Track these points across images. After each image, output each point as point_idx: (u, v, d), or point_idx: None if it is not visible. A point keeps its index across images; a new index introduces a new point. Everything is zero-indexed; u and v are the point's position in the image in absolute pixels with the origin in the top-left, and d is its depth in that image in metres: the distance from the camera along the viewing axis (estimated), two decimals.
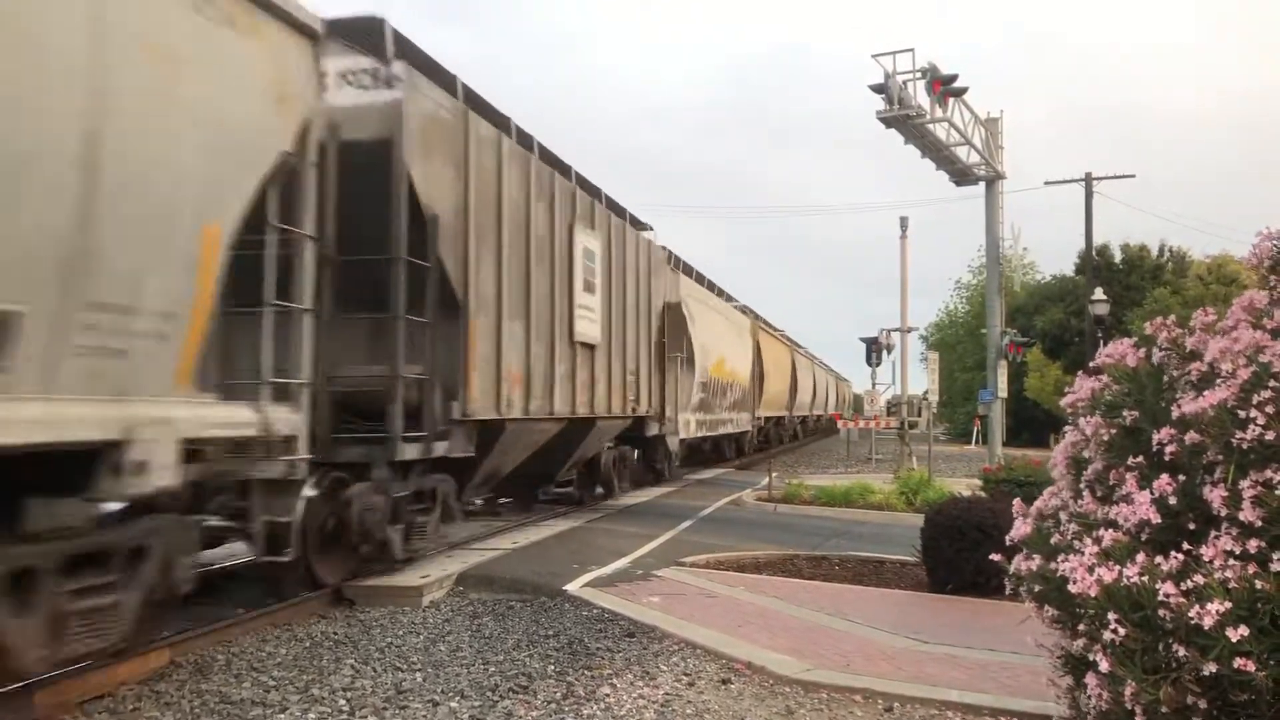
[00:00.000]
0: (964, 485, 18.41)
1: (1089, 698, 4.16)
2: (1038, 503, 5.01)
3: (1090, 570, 3.98)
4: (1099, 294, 33.42)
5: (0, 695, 5.61)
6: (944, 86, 21.60)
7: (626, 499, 18.13)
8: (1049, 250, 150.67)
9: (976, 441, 47.36)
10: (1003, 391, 26.14)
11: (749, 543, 13.08)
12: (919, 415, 28.47)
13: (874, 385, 32.96)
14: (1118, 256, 54.90)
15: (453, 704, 6.20)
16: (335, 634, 7.94)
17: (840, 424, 38.75)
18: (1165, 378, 4.46)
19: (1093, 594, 3.95)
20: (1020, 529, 4.85)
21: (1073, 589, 4.03)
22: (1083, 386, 4.73)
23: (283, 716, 5.95)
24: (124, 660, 6.53)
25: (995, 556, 4.87)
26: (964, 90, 22.40)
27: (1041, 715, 5.73)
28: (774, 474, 20.72)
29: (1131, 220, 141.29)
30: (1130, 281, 51.99)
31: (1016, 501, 5.04)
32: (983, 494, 13.55)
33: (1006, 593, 5.02)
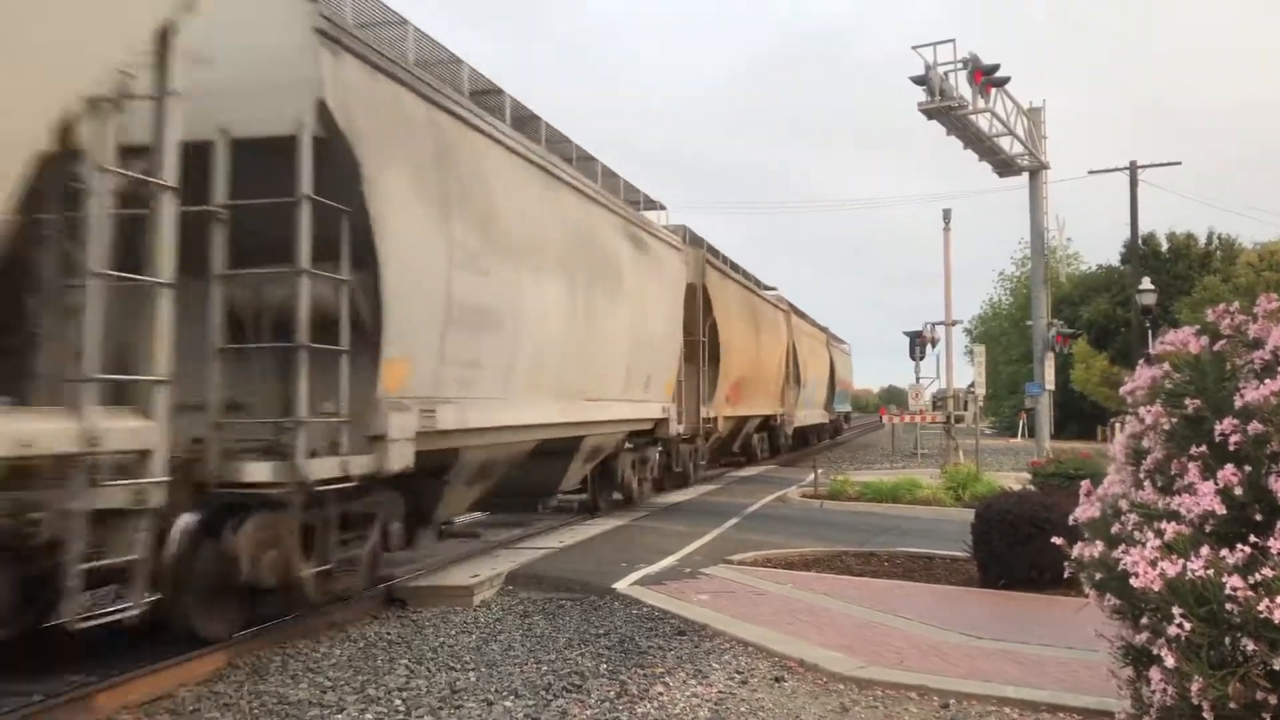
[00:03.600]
0: (1012, 479, 18.23)
1: (1153, 692, 4.10)
2: (1097, 491, 4.94)
3: (1153, 564, 3.92)
4: (1146, 283, 32.92)
5: (65, 697, 5.71)
6: (986, 77, 21.38)
7: (670, 498, 18.11)
8: (1094, 240, 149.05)
9: (1023, 435, 46.83)
10: (1050, 384, 25.83)
11: (796, 540, 13.03)
12: (965, 409, 28.19)
13: (918, 379, 32.66)
14: (1164, 245, 54.05)
15: (507, 703, 6.22)
16: (389, 634, 7.99)
17: (885, 419, 38.34)
18: (1227, 365, 4.38)
19: (1156, 588, 3.89)
20: (1086, 510, 4.77)
21: (1135, 583, 3.97)
22: (1142, 375, 4.65)
23: (340, 717, 6.00)
24: (183, 662, 6.64)
25: (1057, 540, 4.80)
26: (1006, 80, 22.15)
27: (1101, 711, 5.66)
28: (818, 470, 20.63)
29: (1179, 208, 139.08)
30: (1177, 270, 51.17)
31: (1084, 483, 4.97)
32: (1032, 488, 13.43)
33: (1065, 577, 4.95)
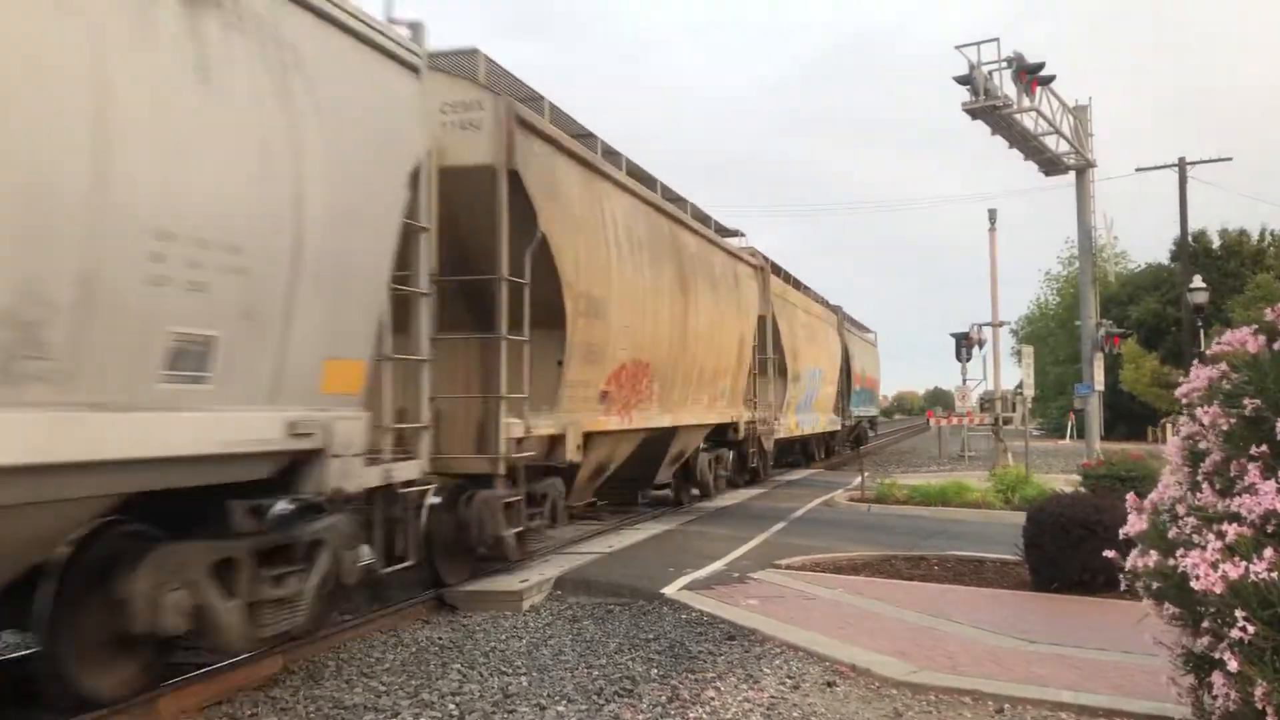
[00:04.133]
0: (1062, 481, 18.02)
1: (1215, 698, 4.05)
2: (1152, 495, 4.88)
3: (1214, 566, 3.87)
4: (1197, 281, 32.42)
5: (129, 702, 5.82)
6: (1030, 75, 21.16)
7: (718, 501, 18.09)
8: (1143, 238, 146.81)
9: (1071, 436, 46.26)
10: (1099, 385, 25.50)
11: (844, 544, 12.96)
12: (1013, 410, 27.89)
13: (964, 381, 32.37)
14: (1215, 242, 53.15)
15: (559, 708, 6.25)
16: (440, 639, 8.06)
17: (931, 421, 37.98)
18: None
19: (1217, 591, 3.84)
20: (1134, 524, 4.72)
21: (1195, 585, 3.92)
22: (1199, 376, 4.60)
23: None
24: (239, 667, 6.74)
25: (1109, 553, 4.75)
26: (1051, 78, 21.91)
27: (1160, 716, 5.60)
28: (865, 474, 20.50)
29: (1230, 205, 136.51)
30: (1229, 268, 50.29)
31: (1130, 496, 4.92)
32: (1083, 490, 13.26)
33: (1121, 589, 4.89)
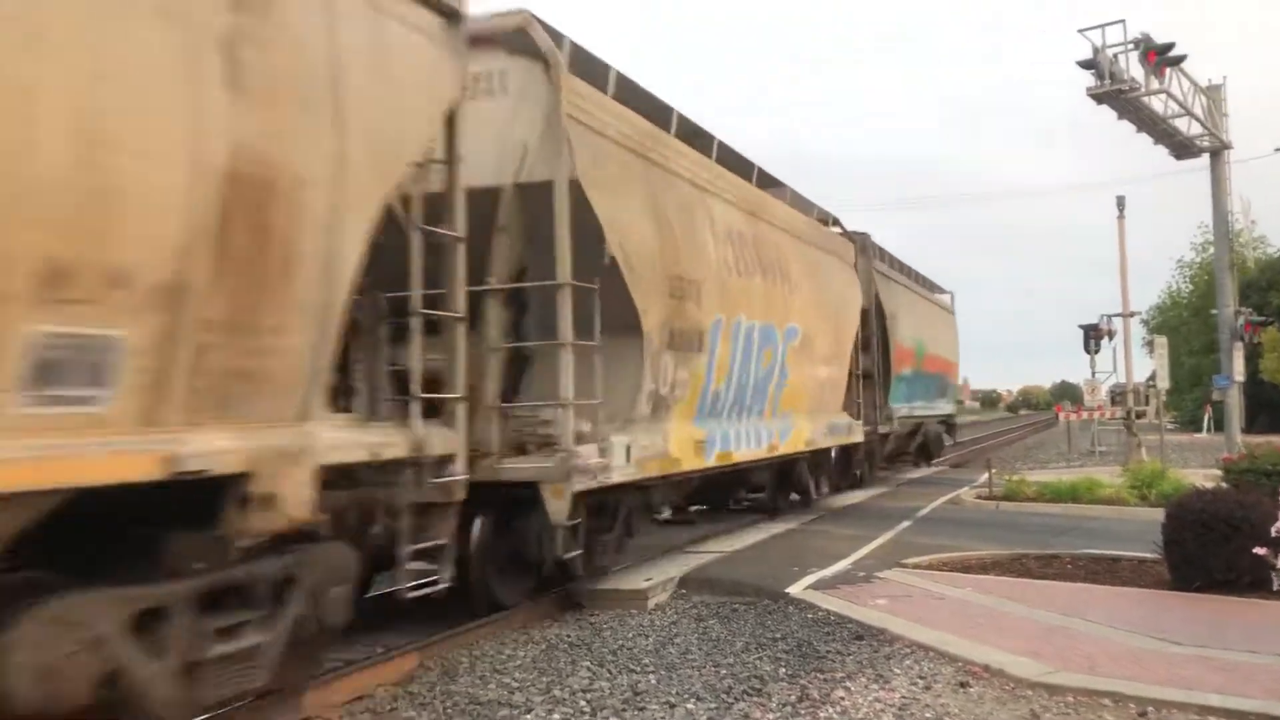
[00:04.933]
0: (1201, 476, 17.32)
1: None
2: None
3: None
4: None
5: (274, 695, 6.07)
6: (1159, 56, 20.42)
7: (839, 501, 17.91)
8: None
9: (1208, 429, 44.38)
10: (1239, 375, 24.45)
11: (972, 542, 12.71)
12: (1146, 403, 26.92)
13: (1093, 374, 31.34)
14: None
15: (689, 706, 6.30)
16: (569, 637, 8.19)
17: (1060, 415, 36.80)
18: None
19: None
20: None
21: None
22: None
23: (529, 717, 6.19)
24: (378, 664, 6.97)
25: (1260, 550, 4.59)
26: (1182, 59, 21.13)
27: None
28: (993, 470, 20.06)
29: None
30: None
31: None
32: (1225, 485, 12.76)
33: (1275, 589, 4.71)
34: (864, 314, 18.42)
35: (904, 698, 6.35)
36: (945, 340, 27.15)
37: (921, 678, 6.78)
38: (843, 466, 18.33)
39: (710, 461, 11.37)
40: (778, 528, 14.09)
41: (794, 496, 16.31)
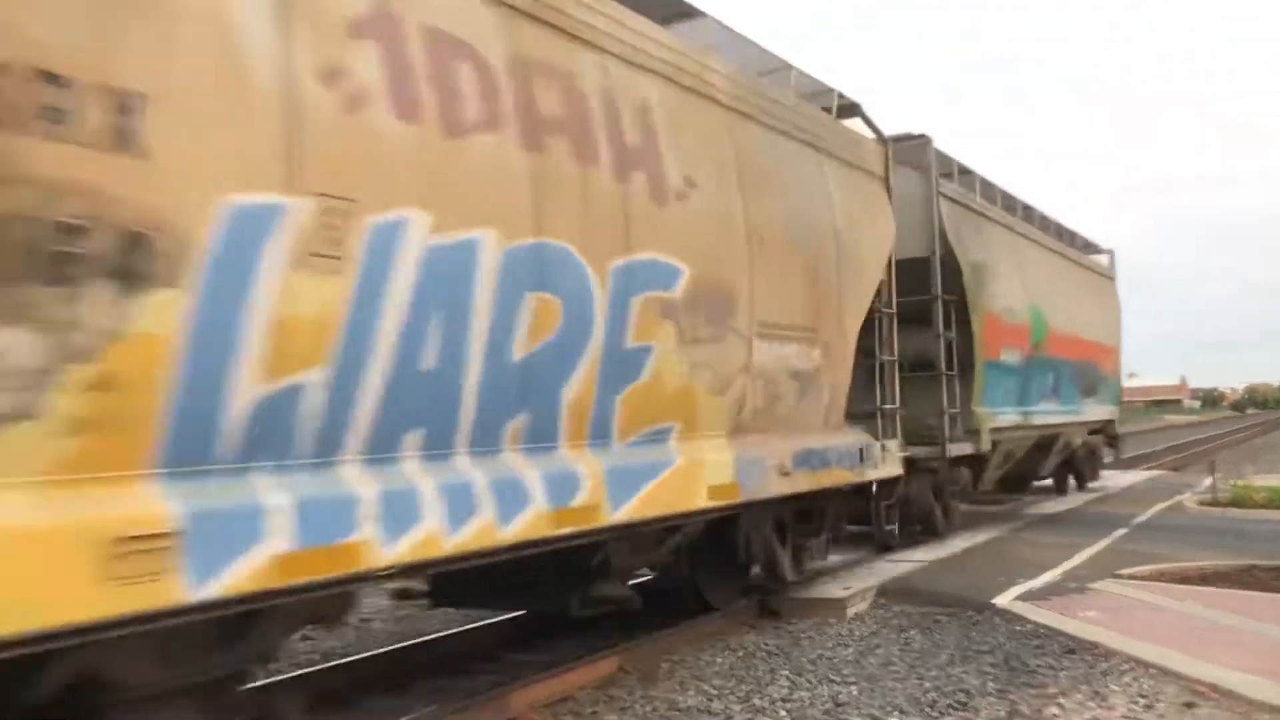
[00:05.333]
0: None
1: None
2: None
3: None
4: None
5: (484, 695, 6.30)
6: None
7: (1045, 508, 17.18)
8: None
9: None
10: None
11: (1194, 551, 11.96)
12: None
13: None
14: None
15: (892, 719, 6.16)
16: (767, 645, 8.14)
17: None
18: None
19: None
20: None
21: None
22: None
23: None
24: (579, 667, 7.11)
25: None
26: None
27: None
28: (1217, 474, 18.83)
29: None
30: None
31: None
32: None
33: None
34: (921, 264, 12.57)
35: (1124, 716, 6.01)
36: (1092, 315, 18.92)
37: (1142, 696, 6.40)
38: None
39: None
40: (980, 536, 13.59)
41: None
